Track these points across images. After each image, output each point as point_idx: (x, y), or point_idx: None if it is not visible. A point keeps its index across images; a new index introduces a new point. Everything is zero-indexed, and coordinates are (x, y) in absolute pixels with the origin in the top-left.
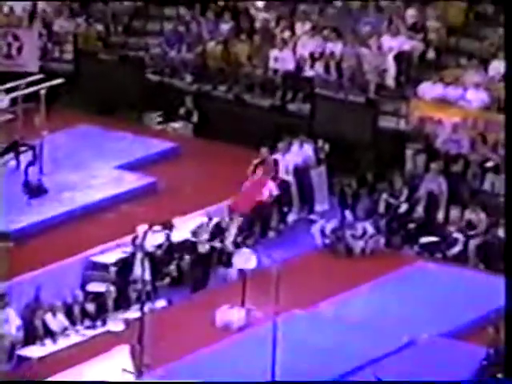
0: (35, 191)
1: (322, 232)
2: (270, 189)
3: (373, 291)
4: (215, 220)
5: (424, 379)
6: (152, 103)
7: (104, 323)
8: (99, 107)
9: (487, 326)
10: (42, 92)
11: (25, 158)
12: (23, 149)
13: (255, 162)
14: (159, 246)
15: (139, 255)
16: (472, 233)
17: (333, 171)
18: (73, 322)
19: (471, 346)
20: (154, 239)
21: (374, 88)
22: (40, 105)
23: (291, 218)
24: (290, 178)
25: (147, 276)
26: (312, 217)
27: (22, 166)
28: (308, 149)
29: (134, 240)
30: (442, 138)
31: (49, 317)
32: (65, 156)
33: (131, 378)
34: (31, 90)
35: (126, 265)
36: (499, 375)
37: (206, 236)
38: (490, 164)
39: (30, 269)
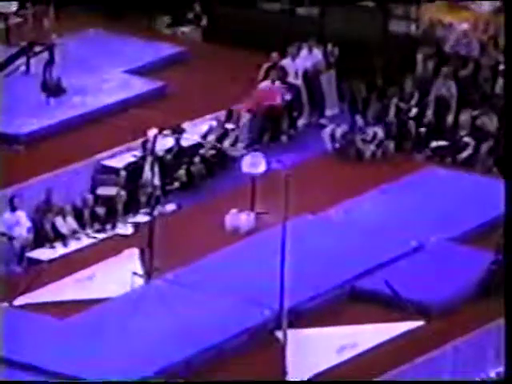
0: (53, 90)
1: (332, 136)
2: (283, 93)
3: (382, 195)
4: (225, 124)
5: (432, 283)
6: (161, 7)
7: (114, 227)
8: (108, 11)
9: (495, 230)
10: None
11: (38, 60)
12: (39, 49)
13: (265, 66)
14: (169, 150)
15: (149, 159)
16: (482, 135)
17: (343, 76)
18: (83, 226)
19: (479, 250)
20: (164, 143)
21: None
22: (49, 8)
23: (301, 122)
24: (299, 83)
25: (157, 180)
26: (322, 121)
27: (34, 69)
28: (317, 53)
29: (144, 144)
30: (453, 42)
31: (59, 220)
32: (74, 60)
33: (141, 281)
34: None
35: (135, 169)
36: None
37: (215, 140)
38: (501, 67)
39: (41, 172)
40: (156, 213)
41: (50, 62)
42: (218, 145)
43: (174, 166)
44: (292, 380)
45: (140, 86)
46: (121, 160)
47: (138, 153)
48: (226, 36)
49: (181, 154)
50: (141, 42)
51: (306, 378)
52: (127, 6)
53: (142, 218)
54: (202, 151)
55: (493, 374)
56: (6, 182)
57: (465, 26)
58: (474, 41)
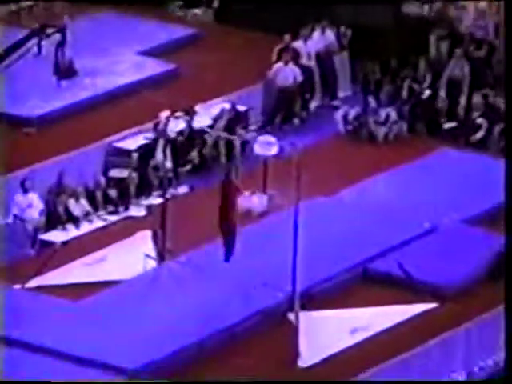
0: (65, 72)
1: (345, 118)
2: (295, 74)
3: (395, 177)
4: (237, 106)
5: (445, 265)
6: None
7: (126, 209)
8: None
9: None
10: None
11: (50, 42)
12: (51, 31)
13: (278, 47)
14: (181, 133)
15: (161, 141)
16: (495, 116)
17: (356, 57)
18: (95, 208)
19: (492, 232)
20: (176, 125)
21: None
22: None
23: (313, 104)
24: (312, 64)
25: (169, 162)
26: (335, 103)
27: (45, 51)
28: (330, 34)
29: (156, 126)
30: (467, 23)
31: (71, 202)
32: (86, 42)
33: (153, 264)
34: None
35: (148, 151)
36: None
37: (227, 122)
38: None
39: (53, 154)
40: (168, 195)
41: (62, 44)
42: (223, 134)
43: (187, 149)
44: (301, 369)
45: (152, 67)
46: (133, 142)
47: (150, 135)
48: (238, 17)
49: (193, 136)
50: (153, 24)
51: (318, 360)
52: None
53: (154, 200)
54: (210, 137)
55: None
56: (18, 164)
57: (482, 4)
58: (491, 22)
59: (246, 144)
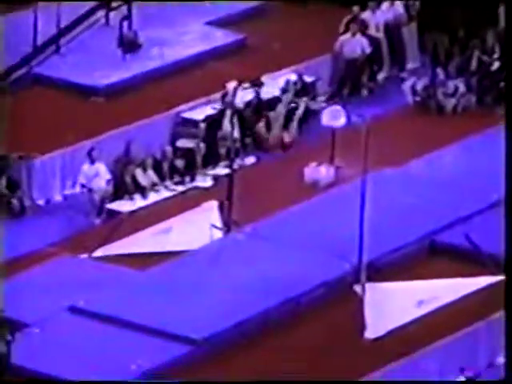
0: (130, 45)
1: (413, 89)
2: (363, 46)
3: (463, 149)
4: (305, 77)
5: None
6: None
7: (193, 179)
8: None
9: None
10: None
11: (118, 12)
12: (116, 4)
13: (346, 19)
14: (248, 103)
15: (228, 112)
16: None
17: (424, 28)
18: (162, 178)
19: None
20: (244, 96)
21: None
22: None
23: (382, 75)
24: (380, 36)
25: (236, 133)
26: (403, 74)
27: (113, 22)
28: (399, 5)
29: (223, 97)
30: None
31: (139, 172)
32: (154, 12)
33: (219, 234)
34: None
35: (215, 121)
36: None
37: (294, 93)
38: None
39: (121, 124)
40: (235, 165)
41: (128, 17)
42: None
43: (254, 119)
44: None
45: (220, 38)
46: (200, 112)
47: (218, 105)
48: None
49: (260, 107)
50: None
51: (384, 332)
52: None
53: (221, 170)
54: (280, 105)
55: None
56: (86, 133)
57: None
58: None
59: (314, 115)
